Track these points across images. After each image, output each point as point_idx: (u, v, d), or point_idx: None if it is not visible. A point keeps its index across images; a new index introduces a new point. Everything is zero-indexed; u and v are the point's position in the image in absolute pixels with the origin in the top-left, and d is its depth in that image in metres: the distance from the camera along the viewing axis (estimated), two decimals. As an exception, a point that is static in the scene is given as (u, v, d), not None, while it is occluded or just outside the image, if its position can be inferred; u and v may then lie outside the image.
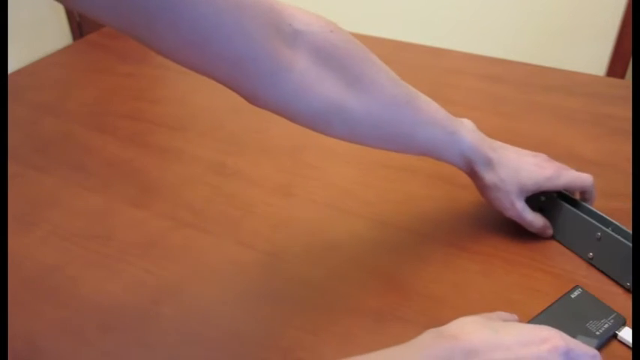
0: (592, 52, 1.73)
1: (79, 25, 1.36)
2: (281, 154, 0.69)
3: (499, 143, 0.54)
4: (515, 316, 0.46)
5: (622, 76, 1.70)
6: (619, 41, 1.69)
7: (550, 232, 0.55)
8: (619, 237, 0.50)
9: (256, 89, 0.42)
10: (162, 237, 0.56)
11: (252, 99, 0.43)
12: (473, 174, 0.53)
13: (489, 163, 0.52)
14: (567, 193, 0.55)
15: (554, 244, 0.55)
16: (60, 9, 1.36)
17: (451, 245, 0.55)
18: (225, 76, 0.41)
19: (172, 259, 0.54)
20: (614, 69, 1.71)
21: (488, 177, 0.52)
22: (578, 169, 0.55)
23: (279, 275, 0.52)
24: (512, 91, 0.82)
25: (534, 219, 0.54)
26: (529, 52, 1.80)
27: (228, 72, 0.40)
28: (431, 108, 0.50)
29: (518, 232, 0.56)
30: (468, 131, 0.51)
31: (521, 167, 0.53)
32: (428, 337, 0.38)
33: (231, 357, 0.44)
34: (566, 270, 0.52)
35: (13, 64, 0.89)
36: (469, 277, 0.51)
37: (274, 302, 0.49)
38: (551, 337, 0.37)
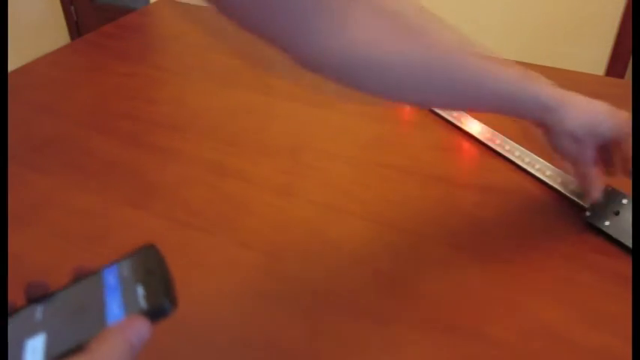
0: (592, 52, 1.73)
1: (77, 25, 1.35)
2: (281, 154, 0.68)
3: (567, 91, 0.53)
4: None
5: (622, 76, 1.71)
6: (618, 41, 1.69)
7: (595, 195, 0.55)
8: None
9: (312, 44, 0.42)
10: (160, 237, 0.56)
11: (307, 56, 0.43)
12: (546, 120, 0.52)
13: (563, 109, 0.51)
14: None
15: (554, 244, 0.55)
16: (58, 9, 1.35)
17: (451, 245, 0.55)
18: (282, 32, 0.41)
19: (171, 260, 0.53)
20: (614, 69, 1.72)
21: (565, 123, 0.51)
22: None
23: (279, 275, 0.51)
24: (512, 91, 0.82)
25: (595, 178, 0.54)
26: (529, 52, 1.80)
27: (288, 26, 0.41)
28: (495, 57, 0.49)
29: (518, 232, 0.56)
30: (539, 77, 0.51)
31: (597, 114, 0.52)
32: None
33: (230, 358, 0.44)
34: (567, 270, 0.52)
35: (11, 63, 0.89)
36: (469, 277, 0.51)
37: (274, 302, 0.49)
38: None
